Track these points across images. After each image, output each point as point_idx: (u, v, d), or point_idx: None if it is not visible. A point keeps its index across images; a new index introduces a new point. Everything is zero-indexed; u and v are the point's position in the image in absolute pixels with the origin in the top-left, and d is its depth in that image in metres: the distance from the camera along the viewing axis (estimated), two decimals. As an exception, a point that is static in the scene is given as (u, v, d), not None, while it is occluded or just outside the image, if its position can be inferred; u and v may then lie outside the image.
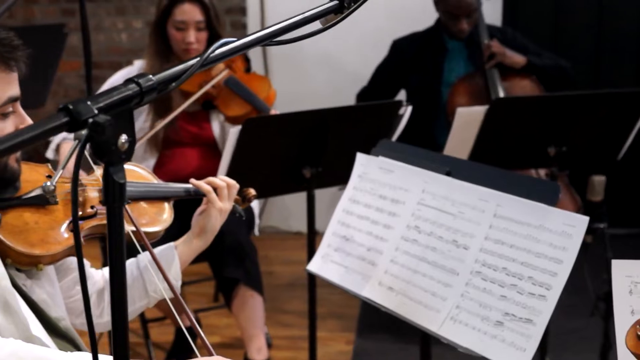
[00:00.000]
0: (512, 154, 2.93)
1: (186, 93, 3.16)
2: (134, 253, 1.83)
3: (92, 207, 1.74)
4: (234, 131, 2.47)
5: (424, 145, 2.87)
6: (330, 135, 2.60)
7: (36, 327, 1.51)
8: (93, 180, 1.78)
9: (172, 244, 1.92)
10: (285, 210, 5.12)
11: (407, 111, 2.85)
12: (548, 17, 4.69)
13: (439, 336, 1.74)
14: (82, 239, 1.62)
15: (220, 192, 1.93)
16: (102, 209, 1.73)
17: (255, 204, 3.42)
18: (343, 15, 1.20)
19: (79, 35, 5.06)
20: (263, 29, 1.13)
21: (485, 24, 3.81)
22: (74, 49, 5.08)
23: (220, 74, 3.17)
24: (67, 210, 1.67)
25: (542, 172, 3.44)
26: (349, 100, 4.09)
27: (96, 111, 0.81)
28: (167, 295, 1.78)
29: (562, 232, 1.63)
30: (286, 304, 4.06)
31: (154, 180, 1.97)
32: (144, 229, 1.78)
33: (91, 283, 1.86)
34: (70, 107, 0.80)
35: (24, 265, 1.59)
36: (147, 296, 1.87)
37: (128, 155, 0.87)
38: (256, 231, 3.45)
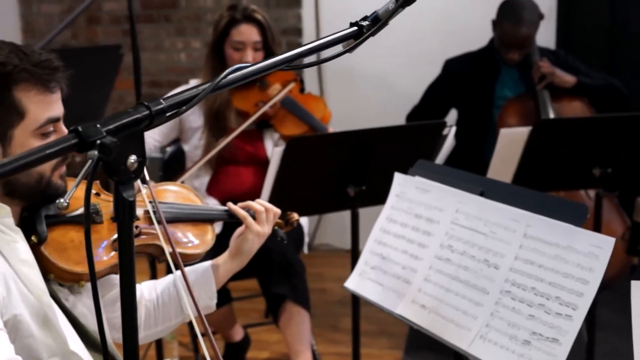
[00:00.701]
0: (557, 175, 2.93)
1: (243, 113, 3.24)
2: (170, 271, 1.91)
3: (136, 227, 1.77)
4: (277, 150, 2.54)
5: (473, 165, 2.89)
6: (373, 155, 2.65)
7: (75, 342, 1.57)
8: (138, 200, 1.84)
9: (209, 263, 1.97)
10: (339, 228, 5.17)
11: (451, 132, 2.88)
12: (602, 39, 4.67)
13: (468, 354, 1.77)
14: None
15: (259, 216, 1.97)
16: (146, 228, 1.78)
17: (305, 223, 3.48)
18: (360, 39, 1.24)
19: (140, 55, 5.21)
20: (282, 53, 1.19)
21: (537, 47, 3.83)
22: (129, 67, 5.23)
23: (278, 94, 3.24)
24: (112, 228, 1.72)
25: (592, 193, 3.43)
26: (402, 121, 4.13)
27: (104, 133, 0.88)
28: (203, 314, 1.84)
29: (589, 252, 1.65)
30: (337, 321, 4.11)
31: (199, 202, 2.02)
32: (184, 250, 1.84)
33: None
34: (80, 129, 0.87)
35: (67, 281, 1.64)
36: (182, 314, 1.94)
37: (137, 175, 0.93)
38: (305, 249, 3.50)
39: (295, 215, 2.19)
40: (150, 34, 5.26)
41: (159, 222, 1.77)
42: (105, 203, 1.75)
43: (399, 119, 4.12)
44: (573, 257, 1.67)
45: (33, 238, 1.60)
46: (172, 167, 3.44)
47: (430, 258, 1.95)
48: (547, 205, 1.79)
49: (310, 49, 1.20)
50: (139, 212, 1.79)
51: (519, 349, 1.69)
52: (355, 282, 2.12)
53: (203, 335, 3.56)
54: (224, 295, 3.32)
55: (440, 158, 2.97)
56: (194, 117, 3.32)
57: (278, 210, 2.03)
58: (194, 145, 3.36)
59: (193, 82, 3.43)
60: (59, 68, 1.56)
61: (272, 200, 2.62)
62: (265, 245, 3.13)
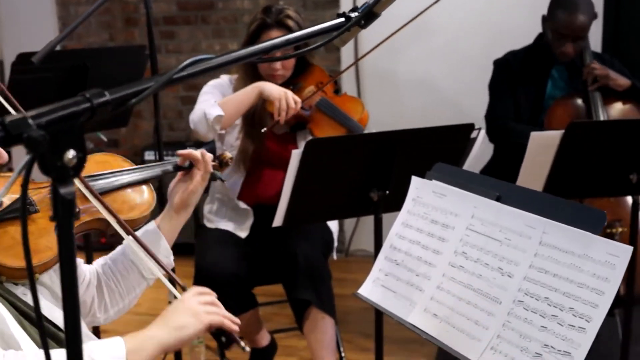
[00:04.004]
0: (591, 181, 2.82)
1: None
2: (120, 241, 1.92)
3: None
4: (296, 152, 2.48)
5: (516, 170, 2.78)
6: (397, 158, 2.57)
7: (26, 344, 1.51)
8: None
9: (153, 224, 1.96)
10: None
11: (479, 135, 2.79)
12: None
13: (477, 366, 1.68)
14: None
15: (201, 165, 1.98)
16: (85, 207, 1.77)
17: (334, 228, 3.42)
18: (343, 29, 1.16)
19: (177, 56, 5.21)
20: (246, 47, 1.12)
21: (589, 48, 3.71)
22: (162, 69, 5.24)
23: (311, 95, 3.19)
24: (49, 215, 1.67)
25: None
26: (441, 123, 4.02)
27: (34, 127, 0.82)
28: (162, 273, 1.81)
29: (605, 262, 1.56)
30: (369, 328, 4.01)
31: (128, 165, 1.99)
32: (128, 216, 1.84)
33: (84, 283, 1.92)
34: (6, 121, 0.82)
35: (19, 278, 1.60)
36: (144, 279, 1.94)
37: (77, 171, 0.87)
38: (334, 255, 3.43)
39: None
40: (188, 35, 5.25)
41: (95, 195, 1.74)
42: (34, 191, 1.71)
43: (438, 123, 4.01)
44: (589, 266, 1.58)
45: None
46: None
47: (444, 265, 1.87)
48: (564, 210, 1.70)
49: (287, 40, 1.13)
50: None
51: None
52: (369, 290, 2.06)
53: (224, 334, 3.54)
54: (249, 300, 3.28)
55: (469, 161, 2.88)
56: None
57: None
58: (229, 144, 3.31)
59: (224, 77, 3.38)
60: None
61: (291, 203, 2.57)
62: (291, 251, 3.11)
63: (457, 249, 1.87)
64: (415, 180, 2.07)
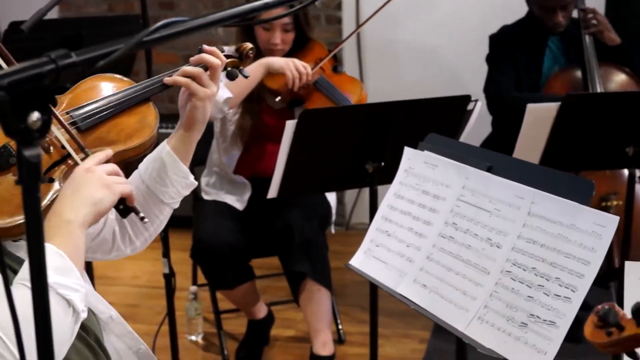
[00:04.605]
0: (587, 153, 2.81)
1: (274, 92, 3.16)
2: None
3: (63, 147, 1.61)
4: (290, 123, 2.47)
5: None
6: (392, 130, 2.56)
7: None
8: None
9: (164, 144, 1.81)
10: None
11: (476, 107, 2.78)
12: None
13: (464, 336, 1.69)
14: (63, 184, 1.57)
15: (201, 78, 1.77)
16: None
17: (332, 201, 3.42)
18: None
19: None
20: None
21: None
22: (171, 43, 5.21)
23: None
24: None
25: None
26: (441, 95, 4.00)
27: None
28: (185, 193, 1.80)
29: (592, 232, 1.56)
30: (366, 301, 4.03)
31: (126, 84, 1.79)
32: (128, 146, 1.70)
33: (108, 225, 1.87)
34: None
35: (17, 235, 1.52)
36: (165, 204, 1.84)
37: (42, 133, 0.86)
38: (332, 228, 3.44)
39: (248, 45, 1.95)
40: (188, 6, 5.24)
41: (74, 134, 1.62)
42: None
43: (441, 95, 3.98)
44: (576, 236, 1.58)
45: None
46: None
47: (434, 236, 1.87)
48: (554, 181, 1.70)
49: (265, 4, 1.12)
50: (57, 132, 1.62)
51: (516, 331, 1.61)
52: (360, 260, 2.06)
53: (226, 312, 3.55)
54: (246, 272, 3.29)
55: (466, 134, 2.87)
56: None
57: (224, 60, 1.82)
58: (227, 120, 3.30)
59: (226, 49, 3.36)
60: None
61: (285, 175, 2.57)
62: (287, 223, 3.12)
63: (447, 220, 1.86)
64: (407, 151, 2.07)
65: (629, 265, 1.31)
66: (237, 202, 3.33)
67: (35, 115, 0.84)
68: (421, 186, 1.98)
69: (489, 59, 3.75)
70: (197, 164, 3.38)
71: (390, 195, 2.05)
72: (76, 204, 1.45)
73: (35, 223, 0.85)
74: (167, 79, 1.77)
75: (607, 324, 1.15)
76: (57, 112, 1.64)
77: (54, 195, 1.55)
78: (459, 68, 4.82)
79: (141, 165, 1.85)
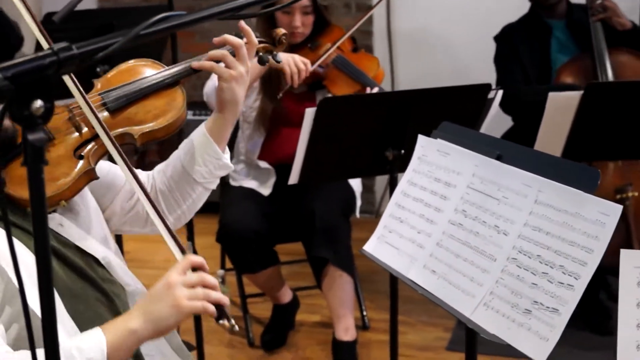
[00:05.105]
0: (612, 143, 2.79)
1: None
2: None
3: (93, 127, 1.70)
4: (310, 111, 2.50)
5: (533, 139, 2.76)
6: (412, 118, 2.58)
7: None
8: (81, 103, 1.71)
9: (201, 127, 1.88)
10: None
11: (497, 95, 2.78)
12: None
13: (469, 321, 1.71)
14: (92, 162, 1.68)
15: (226, 60, 1.81)
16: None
17: (356, 187, 3.45)
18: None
19: (211, 18, 5.23)
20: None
21: None
22: (206, 32, 5.26)
23: (326, 53, 3.20)
24: (68, 140, 1.68)
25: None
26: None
27: (1, 77, 0.87)
28: (220, 174, 1.88)
29: (596, 220, 1.57)
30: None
31: (158, 68, 1.87)
32: (156, 125, 1.78)
33: (136, 199, 1.93)
34: (-25, 72, 0.86)
35: (49, 208, 1.60)
36: (198, 184, 1.90)
37: (45, 119, 0.92)
38: (357, 213, 3.46)
39: (280, 30, 1.98)
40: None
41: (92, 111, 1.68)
42: (52, 121, 1.65)
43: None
44: (580, 225, 1.59)
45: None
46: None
47: (444, 223, 1.90)
48: (561, 169, 1.71)
49: (252, 1, 1.15)
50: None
51: (520, 317, 1.62)
52: (373, 246, 2.08)
53: (252, 296, 3.60)
54: (271, 257, 3.34)
55: (487, 122, 2.87)
56: None
57: (254, 41, 1.86)
58: (248, 106, 3.35)
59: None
60: None
61: (306, 161, 2.60)
62: (309, 209, 3.15)
63: (457, 207, 1.88)
64: (421, 139, 2.09)
65: (624, 253, 1.31)
66: (263, 187, 3.37)
67: (39, 103, 0.90)
68: (433, 173, 2.00)
69: (495, 60, 3.80)
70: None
71: (404, 182, 2.08)
72: (144, 315, 1.49)
73: (39, 201, 0.91)
74: (194, 64, 1.84)
75: None
76: (87, 96, 1.71)
77: (81, 173, 1.65)
78: (490, 57, 4.80)
79: (180, 145, 1.92)
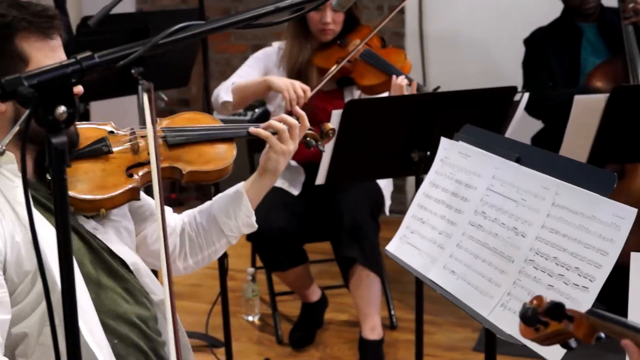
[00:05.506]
0: (636, 145, 2.80)
1: (323, 70, 3.25)
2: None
3: (149, 154, 1.81)
4: (336, 113, 2.54)
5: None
6: (438, 120, 2.60)
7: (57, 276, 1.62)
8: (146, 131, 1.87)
9: (239, 184, 2.01)
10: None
11: (523, 98, 2.80)
12: None
13: (486, 322, 1.74)
14: (139, 182, 1.82)
15: (281, 135, 1.97)
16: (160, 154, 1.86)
17: (385, 187, 3.48)
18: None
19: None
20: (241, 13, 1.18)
21: None
22: (241, 33, 5.33)
23: (356, 48, 3.23)
24: (125, 158, 1.84)
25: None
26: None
27: (26, 85, 0.92)
28: (245, 232, 2.02)
29: (611, 223, 1.59)
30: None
31: (216, 122, 2.06)
32: (201, 168, 1.93)
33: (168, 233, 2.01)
34: (2, 80, 0.93)
35: (87, 211, 1.75)
36: (224, 235, 2.01)
37: (67, 124, 0.97)
38: (387, 212, 3.49)
39: (328, 125, 2.16)
40: (256, -2, 5.34)
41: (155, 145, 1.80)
42: (113, 137, 1.86)
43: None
44: (596, 227, 1.61)
45: (48, 176, 1.68)
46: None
47: (464, 224, 1.93)
48: (578, 172, 1.73)
49: (276, 7, 1.19)
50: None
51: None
52: (395, 246, 2.12)
53: (281, 294, 3.65)
54: (300, 255, 3.38)
55: (514, 124, 2.88)
56: (279, 76, 3.35)
57: (307, 125, 2.04)
58: (277, 105, 3.40)
59: (276, 44, 3.46)
60: (56, 16, 1.64)
61: (332, 162, 2.64)
62: (337, 209, 3.19)
63: (477, 209, 1.91)
64: (443, 141, 2.12)
65: (635, 256, 1.33)
66: (292, 187, 3.42)
67: (62, 109, 0.96)
68: (455, 175, 2.03)
69: (523, 64, 3.81)
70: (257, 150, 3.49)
71: (426, 184, 2.11)
72: None
73: (62, 201, 0.96)
74: (252, 129, 2.00)
75: (528, 321, 1.19)
76: (154, 126, 1.84)
77: (127, 188, 1.80)
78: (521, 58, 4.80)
79: (215, 197, 2.05)
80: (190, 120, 2.05)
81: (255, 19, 1.18)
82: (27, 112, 0.96)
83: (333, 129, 2.17)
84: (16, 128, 0.98)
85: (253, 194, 2.01)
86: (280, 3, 1.20)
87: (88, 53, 1.03)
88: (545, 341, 1.21)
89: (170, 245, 2.01)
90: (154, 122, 1.80)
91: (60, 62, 1.01)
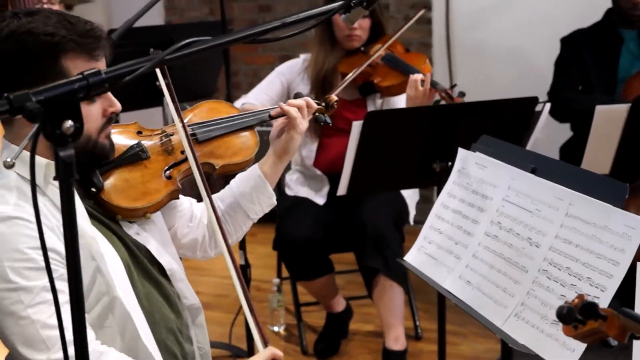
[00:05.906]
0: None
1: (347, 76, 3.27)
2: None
3: (182, 152, 1.91)
4: (357, 124, 2.56)
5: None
6: (459, 130, 2.62)
7: (121, 286, 1.67)
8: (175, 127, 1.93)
9: (257, 169, 2.07)
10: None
11: (545, 108, 2.80)
12: None
13: (500, 332, 1.75)
14: (178, 182, 1.88)
15: (302, 112, 2.06)
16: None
17: (412, 197, 3.49)
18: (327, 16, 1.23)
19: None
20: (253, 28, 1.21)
21: None
22: (269, 45, 5.37)
23: (376, 53, 3.25)
24: (161, 160, 1.89)
25: None
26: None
27: (34, 100, 0.96)
28: (265, 210, 2.10)
29: (622, 233, 1.59)
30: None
31: (235, 112, 2.11)
32: (231, 161, 2.00)
33: (195, 220, 2.08)
34: (11, 96, 0.96)
35: (133, 217, 1.81)
36: (249, 219, 2.10)
37: (74, 138, 1.01)
38: (412, 222, 3.50)
39: (333, 97, 2.25)
40: (283, 8, 5.37)
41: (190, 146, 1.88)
42: (146, 138, 1.90)
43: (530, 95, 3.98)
44: (607, 238, 1.62)
45: (92, 189, 1.75)
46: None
47: (480, 235, 1.94)
48: (591, 183, 1.74)
49: (282, 23, 1.22)
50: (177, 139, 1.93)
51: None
52: (413, 257, 2.14)
53: (306, 304, 3.66)
54: (325, 265, 3.40)
55: (535, 135, 2.89)
56: (302, 85, 3.38)
57: (314, 106, 2.12)
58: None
59: (302, 56, 3.49)
60: (102, 37, 1.66)
61: (354, 173, 2.66)
62: (360, 219, 3.21)
63: (493, 219, 1.93)
64: (461, 152, 2.14)
65: (641, 267, 1.34)
66: (317, 196, 3.44)
67: (69, 123, 0.99)
68: (471, 186, 2.05)
69: (556, 63, 3.76)
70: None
71: (444, 194, 2.13)
72: None
73: (70, 212, 0.99)
74: (273, 111, 2.09)
75: (564, 319, 1.22)
76: (183, 124, 1.94)
77: (168, 191, 1.86)
78: (549, 69, 4.79)
79: (233, 182, 2.11)
80: (212, 110, 2.10)
81: (261, 34, 1.21)
82: (35, 126, 0.99)
83: (337, 100, 2.25)
84: (25, 142, 1.01)
85: (272, 175, 2.08)
86: (287, 18, 1.23)
87: (95, 70, 1.06)
88: (585, 339, 1.23)
89: (199, 236, 2.08)
90: (182, 119, 1.89)
91: (67, 79, 1.04)
